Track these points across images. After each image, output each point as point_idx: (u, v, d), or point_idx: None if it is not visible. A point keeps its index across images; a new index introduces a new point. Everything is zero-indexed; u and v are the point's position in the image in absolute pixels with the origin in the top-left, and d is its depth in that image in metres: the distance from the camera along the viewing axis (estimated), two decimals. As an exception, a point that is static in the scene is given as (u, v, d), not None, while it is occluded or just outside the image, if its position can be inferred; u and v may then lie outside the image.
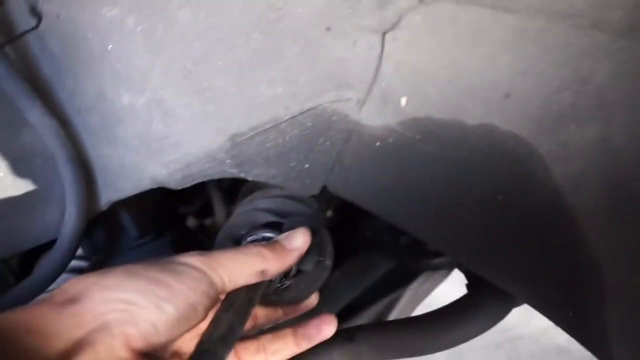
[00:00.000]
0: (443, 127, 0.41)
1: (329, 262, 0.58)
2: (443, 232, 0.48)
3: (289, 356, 0.50)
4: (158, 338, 0.33)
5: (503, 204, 0.41)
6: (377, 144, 0.46)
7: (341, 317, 0.79)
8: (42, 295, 0.48)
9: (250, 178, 0.52)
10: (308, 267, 0.54)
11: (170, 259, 0.37)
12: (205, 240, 0.85)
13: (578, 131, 0.35)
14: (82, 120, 0.51)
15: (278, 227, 0.54)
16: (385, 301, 0.77)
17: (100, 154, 0.52)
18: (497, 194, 0.41)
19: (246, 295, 0.42)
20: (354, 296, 0.84)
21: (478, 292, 0.63)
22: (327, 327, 0.50)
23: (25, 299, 0.50)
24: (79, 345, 0.30)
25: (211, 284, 0.37)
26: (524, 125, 0.36)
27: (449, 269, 0.79)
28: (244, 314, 0.41)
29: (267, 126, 0.49)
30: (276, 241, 0.47)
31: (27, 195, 0.53)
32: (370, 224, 0.83)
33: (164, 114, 0.50)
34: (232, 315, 0.39)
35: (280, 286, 0.52)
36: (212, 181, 1.05)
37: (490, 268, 0.46)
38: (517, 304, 0.63)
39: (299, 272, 0.54)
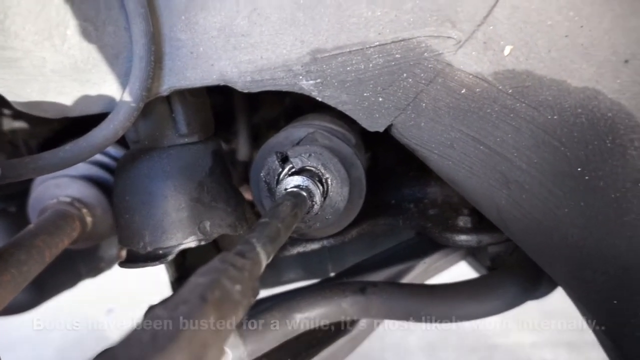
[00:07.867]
0: (542, 84, 0.40)
1: (361, 200, 0.60)
2: (501, 200, 0.47)
3: None
4: None
5: (582, 176, 0.40)
6: (462, 91, 0.45)
7: (351, 273, 0.79)
8: None
9: (319, 98, 0.50)
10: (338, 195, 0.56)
11: None
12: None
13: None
14: (166, -3, 0.50)
15: (318, 178, 0.55)
16: (396, 269, 0.77)
17: (175, 36, 0.50)
18: (577, 165, 0.41)
19: (293, 209, 0.46)
20: (363, 258, 0.84)
21: (499, 273, 0.63)
22: None
23: (68, 163, 0.49)
24: None
25: None
26: (636, 95, 0.35)
27: (471, 250, 0.79)
28: (290, 225, 0.45)
29: (354, 48, 0.48)
30: None
31: (88, 61, 0.52)
32: (397, 191, 0.82)
33: (251, 10, 0.48)
34: (280, 224, 0.43)
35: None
36: (242, 115, 1.05)
37: (543, 246, 0.45)
38: (536, 295, 0.63)
39: (325, 199, 0.55)
